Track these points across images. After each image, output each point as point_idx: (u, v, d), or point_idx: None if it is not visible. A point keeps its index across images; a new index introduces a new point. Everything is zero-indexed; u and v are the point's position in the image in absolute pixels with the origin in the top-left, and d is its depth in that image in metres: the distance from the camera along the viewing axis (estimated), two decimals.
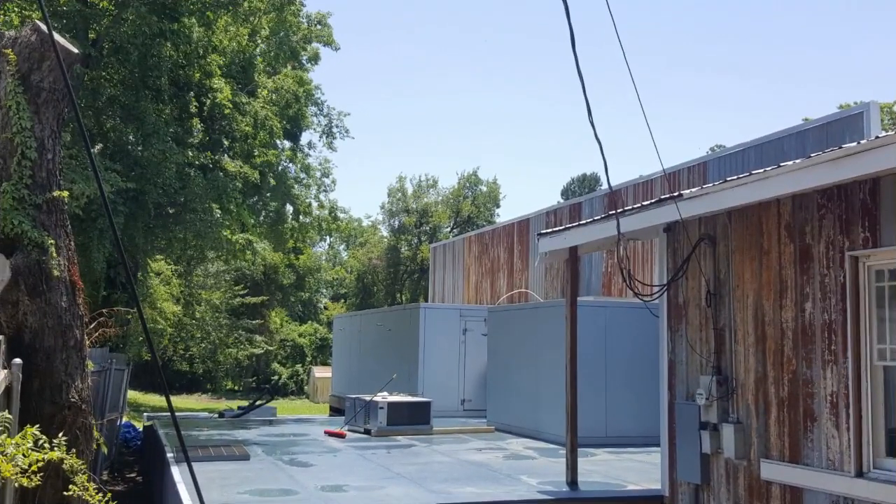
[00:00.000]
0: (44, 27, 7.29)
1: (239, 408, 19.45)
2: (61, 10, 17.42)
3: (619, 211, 8.54)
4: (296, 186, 27.34)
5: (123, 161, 18.67)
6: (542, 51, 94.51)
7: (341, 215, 34.63)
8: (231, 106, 20.78)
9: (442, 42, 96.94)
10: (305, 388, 44.70)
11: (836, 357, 6.79)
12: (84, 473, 5.72)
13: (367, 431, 14.45)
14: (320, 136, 30.71)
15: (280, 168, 25.83)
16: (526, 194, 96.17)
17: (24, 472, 4.90)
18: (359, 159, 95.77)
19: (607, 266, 18.60)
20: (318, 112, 30.15)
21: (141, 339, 25.86)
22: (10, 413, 6.11)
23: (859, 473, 6.55)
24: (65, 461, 5.44)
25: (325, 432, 14.57)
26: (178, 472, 9.51)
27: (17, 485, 5.23)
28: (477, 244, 25.08)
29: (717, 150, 22.15)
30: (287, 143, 27.91)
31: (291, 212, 28.21)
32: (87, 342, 7.71)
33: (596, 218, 9.42)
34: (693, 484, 8.24)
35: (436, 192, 56.49)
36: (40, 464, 4.98)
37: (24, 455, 4.93)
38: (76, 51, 7.72)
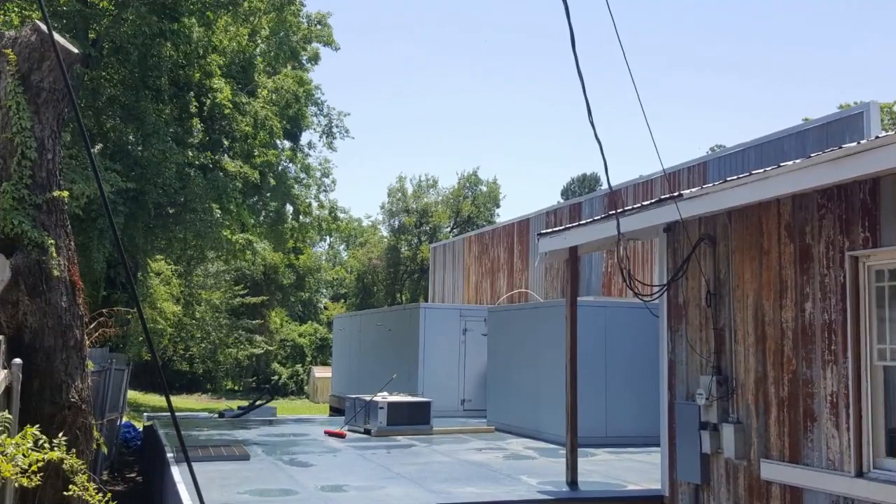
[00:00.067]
0: (44, 27, 7.29)
1: (239, 408, 19.45)
2: (61, 10, 17.42)
3: (619, 211, 8.54)
4: (296, 186, 27.34)
5: (123, 161, 18.67)
6: (542, 51, 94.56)
7: (341, 215, 34.64)
8: (231, 106, 20.78)
9: (442, 42, 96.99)
10: (305, 388, 44.71)
11: (836, 357, 6.79)
12: (84, 473, 5.72)
13: (367, 431, 14.45)
14: (320, 136, 30.74)
15: (280, 168, 25.83)
16: (526, 194, 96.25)
17: (24, 472, 4.90)
18: (359, 159, 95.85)
19: (607, 266, 18.60)
20: (318, 112, 30.16)
21: (141, 339, 25.86)
22: (10, 413, 6.11)
23: (859, 473, 6.55)
24: (65, 461, 5.44)
25: (325, 432, 14.57)
26: (178, 472, 9.51)
27: (17, 485, 5.23)
28: (477, 244, 25.08)
29: (717, 150, 22.16)
30: (287, 143, 27.91)
31: (291, 212, 28.21)
32: (87, 342, 7.71)
33: (596, 218, 9.42)
34: (693, 484, 8.24)
35: (436, 192, 56.52)
36: (40, 464, 4.98)
37: (24, 455, 4.93)
38: (76, 51, 7.72)
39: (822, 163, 6.45)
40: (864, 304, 6.67)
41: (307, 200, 28.34)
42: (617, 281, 18.08)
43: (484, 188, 56.22)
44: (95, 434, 7.54)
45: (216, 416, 19.30)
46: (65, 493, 6.03)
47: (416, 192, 56.33)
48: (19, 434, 5.21)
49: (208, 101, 20.68)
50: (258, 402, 19.55)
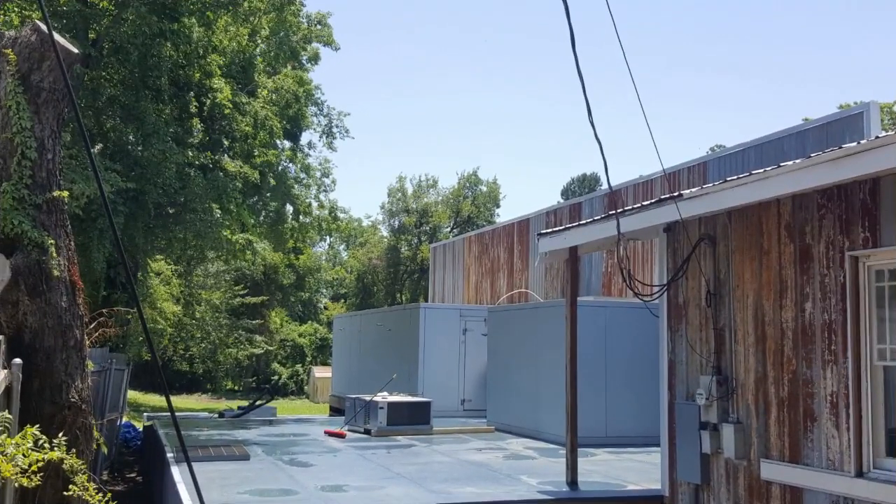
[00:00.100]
0: (44, 27, 7.29)
1: (239, 408, 19.44)
2: (61, 10, 17.42)
3: (619, 211, 8.54)
4: (296, 186, 27.33)
5: (123, 161, 18.67)
6: (542, 51, 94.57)
7: (341, 215, 34.64)
8: (231, 106, 20.78)
9: (442, 42, 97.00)
10: (305, 388, 44.71)
11: (836, 357, 6.79)
12: (84, 473, 5.72)
13: (367, 431, 14.45)
14: (320, 136, 30.74)
15: (280, 168, 25.82)
16: (526, 194, 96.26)
17: (24, 472, 4.90)
18: (359, 159, 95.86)
19: (607, 266, 18.60)
20: (318, 112, 30.16)
21: (141, 339, 25.86)
22: (10, 413, 6.11)
23: (859, 473, 6.55)
24: (65, 461, 5.44)
25: (325, 432, 14.57)
26: (178, 472, 9.51)
27: (17, 485, 5.23)
28: (477, 244, 25.08)
29: (717, 150, 22.16)
30: (287, 143, 27.90)
31: (291, 212, 28.21)
32: (87, 342, 7.71)
33: (596, 218, 9.42)
34: (693, 484, 8.24)
35: (436, 192, 56.52)
36: (40, 464, 4.98)
37: (24, 455, 4.93)
38: (76, 51, 7.72)
39: (822, 163, 6.45)
40: (864, 304, 6.67)
41: (307, 200, 28.34)
42: (617, 281, 18.08)
43: (484, 188, 56.23)
44: (95, 434, 7.54)
45: (216, 416, 19.30)
46: (65, 493, 6.03)
47: (416, 192, 56.34)
48: (19, 434, 5.21)
49: (208, 101, 20.68)
50: (258, 402, 19.55)
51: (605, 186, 36.01)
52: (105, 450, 9.71)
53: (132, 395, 30.91)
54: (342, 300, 58.77)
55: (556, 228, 10.10)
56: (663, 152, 11.44)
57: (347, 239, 63.12)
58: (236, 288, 43.28)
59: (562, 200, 51.08)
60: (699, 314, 8.31)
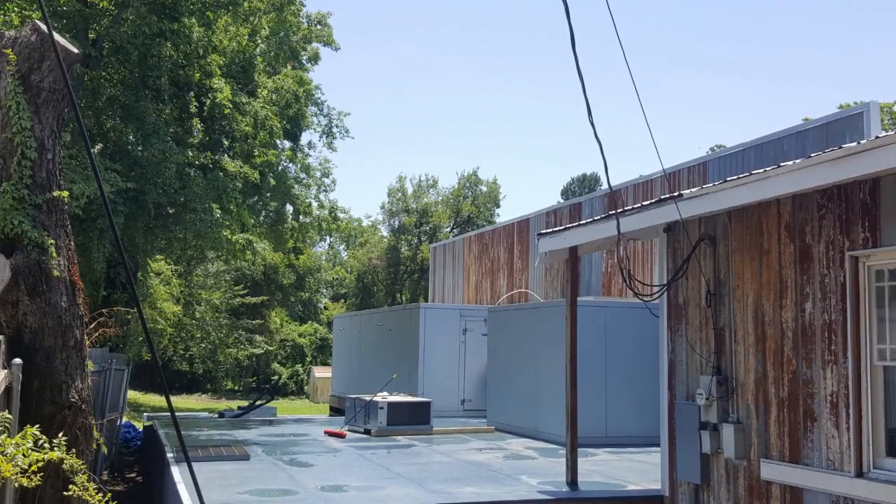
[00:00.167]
0: (44, 27, 7.29)
1: (239, 408, 19.45)
2: (61, 10, 17.41)
3: (619, 211, 8.54)
4: (296, 186, 27.32)
5: (123, 161, 18.66)
6: (542, 51, 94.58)
7: (341, 215, 34.58)
8: (231, 106, 20.76)
9: (442, 42, 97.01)
10: (305, 388, 44.71)
11: (836, 357, 6.79)
12: (84, 473, 5.72)
13: (367, 431, 14.46)
14: (320, 136, 30.73)
15: (280, 168, 25.81)
16: (526, 194, 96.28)
17: (24, 472, 4.90)
18: (359, 159, 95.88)
19: (607, 266, 18.60)
20: (318, 112, 30.16)
21: (141, 339, 25.85)
22: (10, 413, 6.11)
23: (859, 473, 6.55)
24: (65, 461, 5.44)
25: (325, 432, 14.57)
26: (178, 472, 9.51)
27: (17, 485, 5.23)
28: (477, 244, 25.08)
29: (717, 150, 22.17)
30: (287, 143, 27.89)
31: (291, 212, 28.20)
32: (87, 342, 7.71)
33: (596, 218, 9.42)
34: (693, 484, 8.24)
35: (436, 192, 56.54)
36: (40, 464, 4.98)
37: (24, 455, 4.94)
38: (76, 51, 7.72)
39: (822, 163, 6.45)
40: (864, 304, 6.67)
41: (307, 200, 28.33)
42: (617, 281, 18.08)
43: (484, 188, 56.24)
44: (95, 434, 7.54)
45: (216, 416, 19.30)
46: (65, 493, 6.03)
47: (416, 192, 56.35)
48: (19, 434, 5.21)
49: (208, 101, 20.67)
50: (258, 402, 19.55)
51: (605, 186, 36.02)
52: (105, 450, 9.71)
53: (132, 395, 30.92)
54: (342, 300, 58.78)
55: (556, 228, 10.10)
56: (663, 152, 11.46)
57: (347, 239, 63.13)
58: (236, 288, 43.29)
59: (562, 200, 51.09)
60: (699, 314, 8.31)
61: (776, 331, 7.37)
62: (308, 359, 48.97)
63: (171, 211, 21.17)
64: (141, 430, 19.05)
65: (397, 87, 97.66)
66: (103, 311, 11.91)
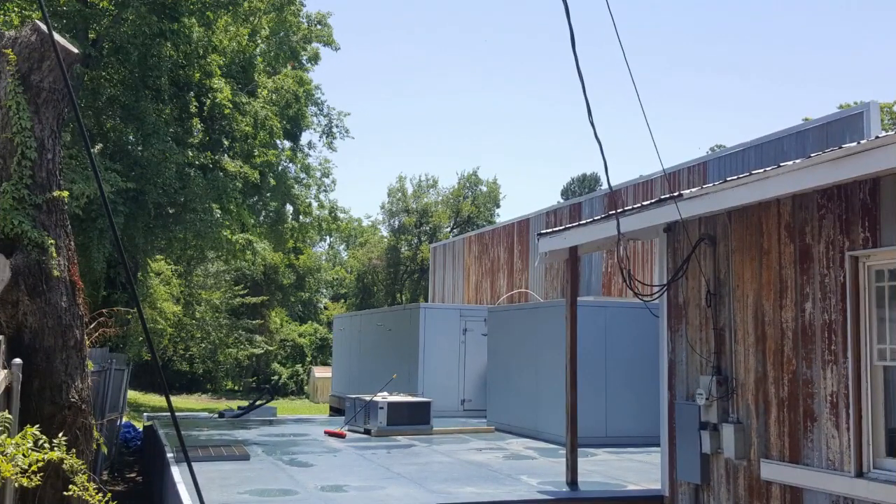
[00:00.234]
0: (44, 27, 7.30)
1: (239, 408, 19.45)
2: (61, 10, 17.41)
3: (619, 211, 8.54)
4: (296, 186, 27.32)
5: (123, 161, 18.66)
6: (542, 51, 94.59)
7: (341, 215, 34.58)
8: (231, 106, 20.76)
9: (442, 42, 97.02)
10: (305, 388, 44.72)
11: (836, 357, 6.79)
12: (84, 473, 5.72)
13: (367, 431, 14.46)
14: (320, 136, 30.73)
15: (280, 168, 25.80)
16: (526, 194, 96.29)
17: (24, 472, 4.90)
18: (359, 159, 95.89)
19: (607, 266, 18.60)
20: (318, 112, 30.15)
21: (141, 339, 25.85)
22: (10, 413, 6.11)
23: (859, 473, 6.55)
24: (65, 461, 5.44)
25: (325, 432, 14.57)
26: (178, 472, 9.51)
27: (17, 485, 5.23)
28: (477, 244, 25.08)
29: (717, 150, 22.17)
30: (287, 143, 27.89)
31: (291, 212, 28.20)
32: (87, 342, 7.71)
33: (596, 218, 9.42)
34: (693, 484, 8.24)
35: (436, 192, 56.55)
36: (40, 464, 4.98)
37: (24, 455, 4.94)
38: (76, 51, 7.72)
39: (822, 163, 6.45)
40: (864, 304, 6.67)
41: (307, 200, 28.33)
42: (617, 281, 18.08)
43: (484, 188, 56.25)
44: (95, 434, 7.54)
45: (216, 416, 19.31)
46: (65, 493, 6.03)
47: (416, 192, 56.35)
48: (19, 434, 5.21)
49: (208, 101, 20.67)
50: (258, 402, 19.55)
51: (605, 186, 36.03)
52: (105, 450, 9.71)
53: (132, 395, 30.92)
54: (342, 300, 58.79)
55: (556, 228, 10.10)
56: (663, 152, 11.46)
57: (347, 239, 63.13)
58: (236, 288, 43.30)
59: (562, 200, 51.09)
60: (699, 314, 8.31)
61: (776, 331, 7.37)
62: (308, 359, 48.97)
63: (171, 211, 21.17)
64: (141, 430, 19.05)
65: (397, 87, 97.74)
66: (103, 311, 11.91)
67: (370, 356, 21.45)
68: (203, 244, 22.41)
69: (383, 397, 14.69)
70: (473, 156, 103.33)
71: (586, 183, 59.74)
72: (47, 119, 7.40)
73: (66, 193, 7.54)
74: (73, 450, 5.98)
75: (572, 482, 9.40)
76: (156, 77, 18.49)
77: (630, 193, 17.33)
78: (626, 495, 9.12)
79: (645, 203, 8.64)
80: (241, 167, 21.45)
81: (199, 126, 21.34)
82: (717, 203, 7.65)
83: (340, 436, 13.99)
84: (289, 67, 26.69)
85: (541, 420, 13.82)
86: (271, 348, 46.00)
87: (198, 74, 20.02)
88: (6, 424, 5.54)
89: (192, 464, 6.26)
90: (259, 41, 24.65)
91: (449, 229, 54.95)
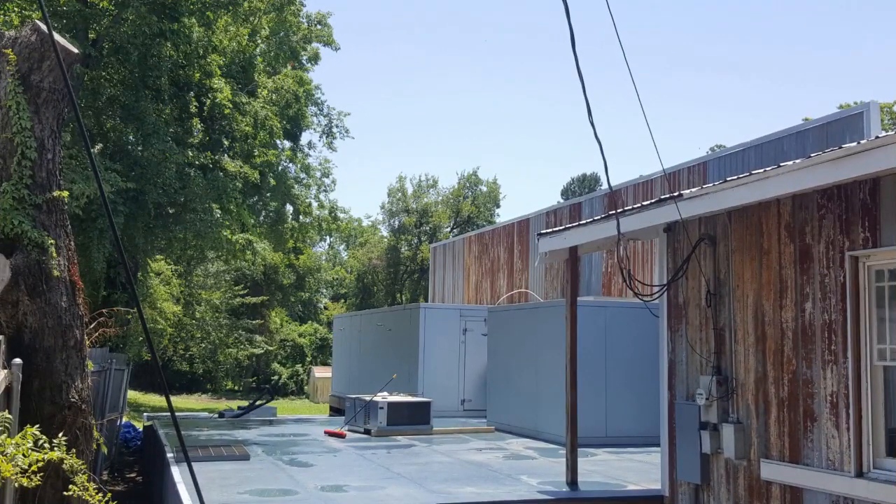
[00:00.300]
0: (44, 27, 7.30)
1: (239, 408, 19.45)
2: (61, 10, 17.41)
3: (619, 211, 8.54)
4: (296, 186, 27.32)
5: (123, 161, 18.66)
6: (542, 51, 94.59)
7: (341, 215, 34.58)
8: (231, 106, 20.76)
9: (442, 42, 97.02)
10: (305, 388, 44.71)
11: (836, 357, 6.79)
12: (84, 473, 5.72)
13: (367, 431, 14.46)
14: (320, 136, 30.74)
15: (280, 168, 25.81)
16: (526, 194, 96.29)
17: (24, 472, 4.90)
18: (359, 159, 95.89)
19: (607, 266, 18.60)
20: (318, 112, 30.16)
21: (141, 339, 25.86)
22: (10, 413, 6.11)
23: (859, 473, 6.55)
24: (65, 461, 5.44)
25: (325, 432, 14.57)
26: (178, 472, 9.51)
27: (17, 485, 5.23)
28: (477, 244, 25.08)
29: (717, 150, 22.17)
30: (287, 143, 27.89)
31: (291, 212, 28.20)
32: (87, 342, 7.71)
33: (596, 218, 9.42)
34: (693, 484, 8.24)
35: (436, 192, 56.55)
36: (40, 464, 4.98)
37: (24, 455, 4.94)
38: (76, 51, 7.72)
39: (822, 163, 6.45)
40: (864, 304, 6.67)
41: (307, 200, 28.33)
42: (617, 281, 18.08)
43: (484, 188, 56.24)
44: (95, 434, 7.54)
45: (216, 416, 19.31)
46: (65, 493, 6.03)
47: (416, 192, 56.35)
48: (19, 434, 5.21)
49: (208, 101, 20.67)
50: (258, 402, 19.55)
51: (605, 186, 36.03)
52: (105, 450, 9.71)
53: (132, 395, 30.92)
54: (342, 300, 58.79)
55: (556, 228, 10.10)
56: (663, 152, 11.46)
57: (347, 239, 63.13)
58: (236, 288, 43.30)
59: (562, 200, 51.09)
60: (699, 314, 8.31)
61: (776, 331, 7.37)
62: (308, 359, 48.97)
63: (171, 211, 21.17)
64: (141, 430, 19.05)
65: (397, 87, 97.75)
66: (103, 311, 11.91)
67: (370, 356, 21.45)
68: (203, 244, 22.41)
69: (383, 397, 14.69)
70: (473, 156, 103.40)
71: (586, 183, 59.75)
72: (47, 119, 7.40)
73: (66, 193, 7.54)
74: (73, 450, 5.98)
75: (572, 482, 9.40)
76: (156, 77, 18.49)
77: (630, 193, 17.33)
78: (626, 495, 9.12)
79: (645, 203, 8.64)
80: (241, 167, 21.45)
81: (199, 126, 21.34)
82: (717, 203, 7.65)
83: (340, 436, 13.99)
84: (289, 67, 26.69)
85: (541, 420, 13.82)
86: (271, 348, 46.00)
87: (198, 74, 20.02)
88: (6, 424, 5.54)
89: (192, 464, 6.26)
90: (259, 41, 24.65)
91: (449, 229, 54.95)
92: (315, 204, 29.39)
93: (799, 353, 7.14)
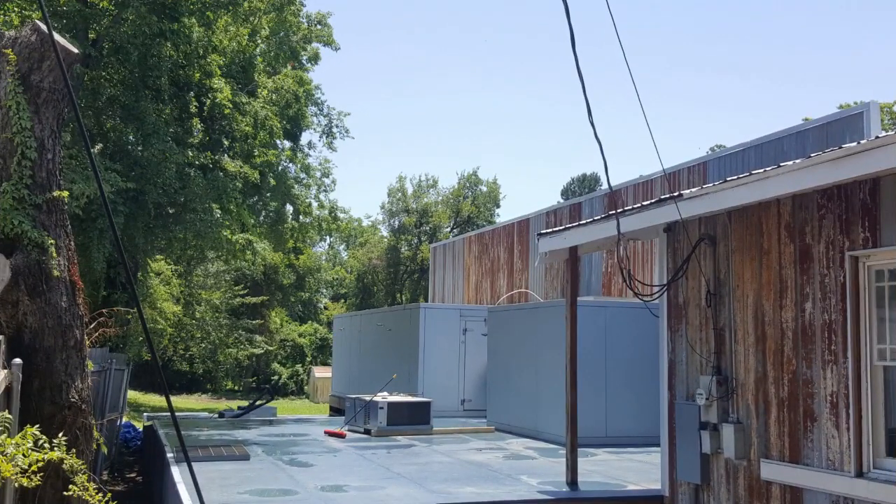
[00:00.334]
0: (44, 27, 7.30)
1: (239, 408, 19.45)
2: (61, 10, 17.42)
3: (619, 211, 8.54)
4: (296, 186, 27.32)
5: (123, 161, 18.66)
6: (542, 51, 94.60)
7: (341, 215, 34.58)
8: (231, 106, 20.76)
9: (442, 42, 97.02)
10: (305, 388, 44.71)
11: (836, 357, 6.79)
12: (84, 473, 5.72)
13: (367, 431, 14.46)
14: (320, 136, 30.74)
15: (280, 168, 25.81)
16: (526, 194, 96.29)
17: (24, 472, 4.90)
18: (359, 159, 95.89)
19: (607, 266, 18.60)
20: (318, 112, 30.16)
21: (141, 339, 25.86)
22: (10, 413, 6.11)
23: (859, 473, 6.55)
24: (65, 461, 5.44)
25: (325, 432, 14.57)
26: (178, 472, 9.51)
27: (17, 485, 5.23)
28: (477, 244, 25.08)
29: (717, 150, 22.17)
30: (287, 143, 27.89)
31: (291, 212, 28.20)
32: (87, 342, 7.71)
33: (596, 218, 9.42)
34: (693, 484, 8.24)
35: (436, 192, 56.55)
36: (40, 464, 4.98)
37: (24, 455, 4.94)
38: (76, 51, 7.72)
39: (822, 163, 6.45)
40: (864, 304, 6.67)
41: (307, 200, 28.33)
42: (617, 281, 18.08)
43: (484, 188, 56.24)
44: (95, 434, 7.54)
45: (216, 416, 19.31)
46: (65, 493, 6.03)
47: (416, 192, 56.35)
48: (19, 434, 5.21)
49: (208, 101, 20.67)
50: (258, 402, 19.55)
51: (605, 186, 36.03)
52: (105, 450, 9.71)
53: (132, 395, 30.92)
54: (342, 300, 58.79)
55: (556, 228, 10.10)
56: (663, 152, 11.46)
57: (347, 239, 63.13)
58: (236, 288, 43.30)
59: (562, 200, 51.09)
60: (699, 314, 8.31)
61: (776, 331, 7.37)
62: (308, 359, 48.97)
63: (171, 211, 21.17)
64: (141, 430, 19.05)
65: (397, 87, 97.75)
66: (103, 311, 11.91)
67: (370, 356, 21.45)
68: (203, 244, 22.41)
69: (383, 397, 14.69)
70: (473, 156, 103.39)
71: (586, 183, 59.75)
72: (47, 119, 7.40)
73: (66, 193, 7.54)
74: (73, 450, 5.98)
75: (572, 482, 9.40)
76: (156, 77, 18.49)
77: (630, 193, 17.33)
78: (626, 495, 9.12)
79: (645, 203, 8.64)
80: (241, 167, 21.45)
81: (199, 126, 21.34)
82: (717, 203, 7.65)
83: (340, 436, 13.99)
84: (289, 67, 26.69)
85: (541, 420, 13.82)
86: (271, 348, 46.00)
87: (198, 74, 20.02)
88: (6, 424, 5.54)
89: (192, 464, 6.26)
90: (259, 41, 24.65)
91: (449, 229, 54.95)
92: (315, 204, 29.40)
93: (799, 353, 7.14)
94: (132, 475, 16.50)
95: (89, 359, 7.67)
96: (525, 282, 21.71)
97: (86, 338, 7.58)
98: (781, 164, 6.97)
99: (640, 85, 6.74)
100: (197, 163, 20.24)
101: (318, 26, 30.05)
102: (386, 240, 57.34)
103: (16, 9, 16.87)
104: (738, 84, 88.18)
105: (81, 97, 17.86)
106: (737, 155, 14.82)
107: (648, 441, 11.93)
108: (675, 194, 8.09)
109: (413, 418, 14.51)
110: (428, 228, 54.93)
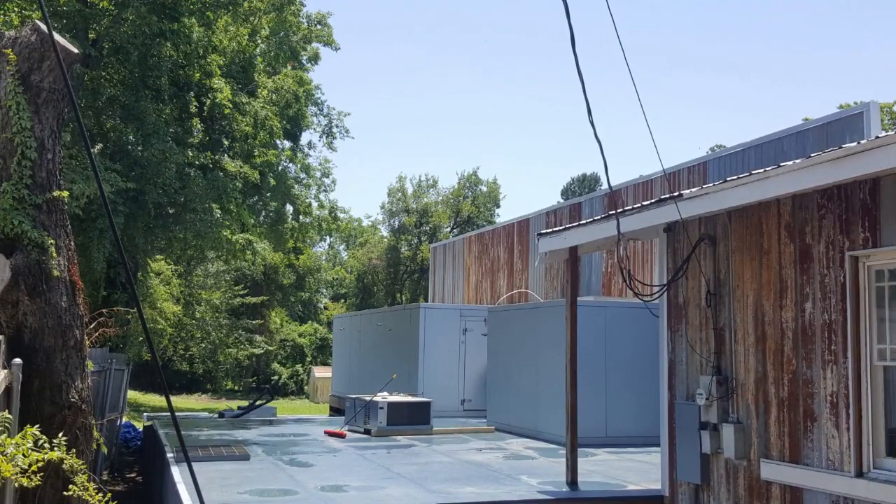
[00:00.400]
0: (44, 27, 7.30)
1: (239, 408, 19.45)
2: (61, 10, 17.41)
3: (619, 211, 8.54)
4: (296, 186, 27.32)
5: (123, 161, 18.66)
6: (542, 51, 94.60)
7: (341, 215, 34.57)
8: (231, 106, 20.76)
9: (442, 42, 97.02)
10: (305, 388, 44.71)
11: (836, 357, 6.79)
12: (84, 473, 5.72)
13: (367, 431, 14.46)
14: (320, 136, 30.74)
15: (280, 168, 25.81)
16: (526, 194, 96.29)
17: (24, 472, 4.90)
18: (359, 159, 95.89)
19: (607, 266, 18.60)
20: (318, 112, 30.16)
21: (141, 339, 25.86)
22: (10, 413, 6.11)
23: (859, 473, 6.55)
24: (65, 461, 5.44)
25: (325, 432, 14.57)
26: (178, 472, 9.51)
27: (17, 485, 5.23)
28: (477, 244, 25.07)
29: (717, 150, 22.17)
30: (287, 143, 27.89)
31: (291, 212, 28.20)
32: (87, 342, 7.71)
33: (596, 218, 9.42)
34: (693, 484, 8.24)
35: (436, 192, 56.55)
36: (40, 464, 4.98)
37: (24, 455, 4.94)
38: (76, 51, 7.72)
39: (822, 163, 6.45)
40: (864, 304, 6.67)
41: (307, 200, 28.33)
42: (617, 281, 18.08)
43: (484, 188, 56.25)
44: (95, 434, 7.54)
45: (216, 416, 19.31)
46: (65, 493, 6.03)
47: (416, 192, 56.35)
48: (19, 434, 5.21)
49: (208, 101, 20.67)
50: (258, 402, 19.55)
51: (605, 186, 36.03)
52: (105, 450, 9.71)
53: (132, 395, 30.92)
54: (342, 300, 58.79)
55: (556, 228, 10.10)
56: (663, 152, 11.47)
57: (347, 239, 63.14)
58: (236, 288, 43.30)
59: (562, 200, 51.09)
60: (699, 314, 8.31)
61: (776, 331, 7.37)
62: (308, 359, 48.97)
63: (171, 211, 21.17)
64: (141, 430, 19.05)
65: (397, 87, 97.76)
66: (103, 311, 11.91)
67: (370, 356, 21.45)
68: (203, 244, 22.41)
69: (383, 397, 14.69)
70: (473, 156, 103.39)
71: (586, 183, 59.74)
72: (47, 119, 7.40)
73: (66, 193, 7.54)
74: (73, 450, 5.98)
75: (572, 482, 9.40)
76: (156, 77, 18.49)
77: (630, 193, 17.33)
78: (626, 495, 9.12)
79: (645, 203, 8.64)
80: (241, 167, 21.45)
81: (199, 126, 21.34)
82: (717, 203, 7.65)
83: (340, 436, 13.99)
84: (289, 67, 26.69)
85: (541, 420, 13.82)
86: (271, 348, 46.00)
87: (198, 74, 20.02)
88: (6, 424, 5.54)
89: (192, 464, 6.26)
90: (259, 41, 24.65)
91: (449, 229, 54.95)
92: (315, 204, 29.40)
93: (799, 353, 7.14)
94: (132, 475, 16.49)
95: (89, 359, 7.67)
96: (525, 282, 21.71)
97: (86, 338, 7.58)
98: (781, 164, 6.97)
99: (640, 85, 6.75)
100: (197, 163, 20.24)
101: (318, 26, 30.06)
102: (386, 240, 57.34)
103: (16, 9, 16.87)
104: (738, 84, 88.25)
105: (81, 97, 17.86)
106: (737, 155, 14.82)
107: (648, 441, 11.93)
108: (675, 194, 8.09)
109: (413, 418, 14.51)
110: (428, 228, 54.93)
